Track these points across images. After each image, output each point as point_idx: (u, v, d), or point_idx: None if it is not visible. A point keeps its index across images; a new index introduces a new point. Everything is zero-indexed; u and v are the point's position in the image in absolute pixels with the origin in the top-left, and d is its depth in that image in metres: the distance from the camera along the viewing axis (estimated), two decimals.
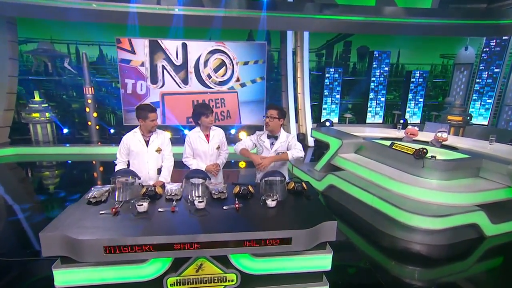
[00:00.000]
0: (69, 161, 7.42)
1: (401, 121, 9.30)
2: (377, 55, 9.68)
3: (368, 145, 5.12)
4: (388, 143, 4.82)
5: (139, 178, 2.62)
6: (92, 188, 2.51)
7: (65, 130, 8.93)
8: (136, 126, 3.13)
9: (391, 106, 10.70)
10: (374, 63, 9.74)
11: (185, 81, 8.42)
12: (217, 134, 3.31)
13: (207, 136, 3.25)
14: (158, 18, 7.30)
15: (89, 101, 8.17)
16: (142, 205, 2.19)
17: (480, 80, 9.24)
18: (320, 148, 7.90)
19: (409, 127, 5.38)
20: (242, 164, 7.25)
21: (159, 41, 8.02)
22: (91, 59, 8.68)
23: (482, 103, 9.27)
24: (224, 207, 2.32)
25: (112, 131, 9.07)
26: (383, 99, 10.09)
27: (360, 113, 10.49)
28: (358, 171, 4.76)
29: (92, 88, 8.17)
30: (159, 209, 2.26)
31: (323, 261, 2.25)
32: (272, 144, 3.12)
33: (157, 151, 3.11)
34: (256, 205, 2.39)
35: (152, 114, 2.97)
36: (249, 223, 2.13)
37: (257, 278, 2.19)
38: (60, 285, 1.97)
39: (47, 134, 8.15)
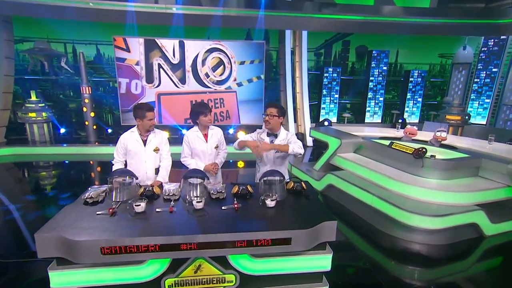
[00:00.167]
0: (66, 161, 7.37)
1: (400, 121, 9.30)
2: (375, 54, 9.68)
3: (367, 145, 5.11)
4: (387, 142, 4.80)
5: (137, 178, 2.59)
6: (89, 188, 2.47)
7: (62, 130, 8.87)
8: (134, 126, 3.10)
9: (390, 105, 10.70)
10: (373, 62, 9.74)
11: (183, 80, 8.37)
12: (215, 133, 3.28)
13: (205, 136, 3.23)
14: (156, 17, 7.26)
15: (86, 100, 8.12)
16: (139, 205, 2.16)
17: (478, 80, 9.26)
18: (319, 147, 7.90)
19: (408, 126, 5.37)
20: (241, 164, 7.22)
21: (156, 39, 7.97)
22: (88, 58, 8.63)
23: (480, 102, 9.29)
24: (223, 207, 2.29)
25: (109, 131, 9.02)
26: (381, 98, 10.09)
27: (358, 112, 10.50)
28: (358, 170, 4.75)
29: (89, 87, 8.11)
30: (157, 210, 2.24)
31: (323, 262, 2.23)
32: (271, 142, 3.10)
33: (154, 150, 3.08)
34: (255, 205, 2.37)
35: (150, 113, 2.94)
36: (248, 223, 2.11)
37: (256, 279, 2.17)
38: (56, 287, 1.94)
39: (43, 134, 8.09)
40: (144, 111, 2.92)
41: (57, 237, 1.86)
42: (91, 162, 7.40)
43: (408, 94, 10.11)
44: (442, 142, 4.90)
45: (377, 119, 10.27)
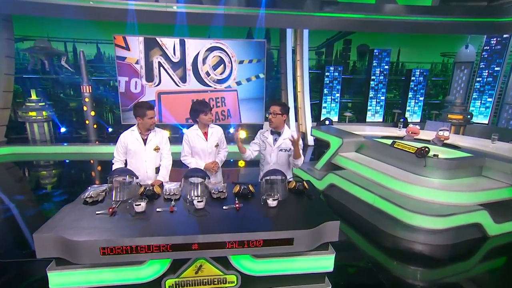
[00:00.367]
0: (67, 160, 7.35)
1: (401, 120, 9.26)
2: (377, 53, 9.63)
3: (369, 144, 5.07)
4: (389, 141, 4.77)
5: (137, 178, 2.57)
6: (89, 188, 2.45)
7: (63, 129, 8.85)
8: (134, 125, 3.07)
9: (391, 105, 10.65)
10: (374, 61, 9.69)
11: (183, 78, 8.34)
12: (215, 131, 3.26)
13: (205, 134, 3.20)
14: (156, 16, 7.22)
15: (87, 99, 8.09)
16: (139, 205, 2.14)
17: (480, 79, 9.20)
18: (320, 147, 7.86)
19: (411, 125, 5.34)
20: (241, 163, 7.19)
21: (156, 37, 7.93)
22: (88, 57, 8.60)
23: (483, 101, 9.24)
24: (224, 207, 2.27)
25: (110, 130, 9.00)
26: (383, 97, 10.04)
27: (360, 111, 10.46)
28: (359, 170, 4.72)
29: (90, 86, 8.08)
30: (157, 209, 2.22)
31: (325, 262, 2.21)
32: (275, 140, 3.07)
33: (155, 149, 3.06)
34: (257, 205, 2.35)
35: (150, 111, 2.92)
36: (249, 223, 2.09)
37: (258, 280, 2.15)
38: (55, 287, 1.91)
39: (44, 133, 8.08)
40: (144, 109, 2.89)
41: (56, 237, 1.84)
42: (92, 161, 7.38)
43: (410, 93, 10.06)
44: (445, 141, 4.86)
45: (379, 118, 10.23)
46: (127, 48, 7.88)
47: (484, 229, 3.72)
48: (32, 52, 8.30)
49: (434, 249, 3.57)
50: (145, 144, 3.02)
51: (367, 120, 10.17)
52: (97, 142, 8.26)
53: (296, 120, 9.13)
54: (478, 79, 9.26)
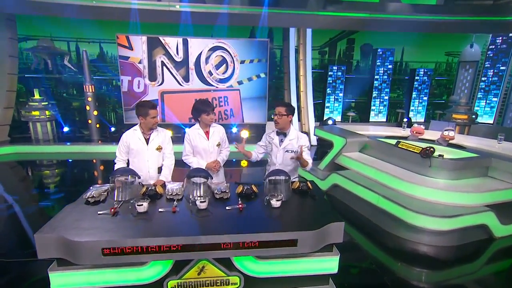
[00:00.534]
0: (70, 160, 7.36)
1: (405, 120, 9.18)
2: (380, 52, 9.56)
3: (373, 144, 5.03)
4: (393, 141, 4.72)
5: (139, 177, 2.55)
6: (91, 188, 2.44)
7: (66, 129, 8.87)
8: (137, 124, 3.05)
9: (395, 104, 10.58)
10: (378, 61, 9.62)
11: (186, 78, 8.33)
12: (217, 131, 3.24)
13: (207, 133, 3.18)
14: (159, 15, 7.20)
15: (90, 99, 8.10)
16: (142, 205, 2.12)
17: (485, 78, 9.11)
18: (323, 146, 7.81)
19: (415, 125, 5.29)
20: (244, 163, 7.17)
21: (159, 37, 7.93)
22: (91, 56, 8.61)
23: (488, 101, 9.14)
24: (227, 208, 2.24)
25: (112, 129, 9.00)
26: (386, 97, 9.97)
27: (363, 111, 10.39)
28: (363, 170, 4.67)
29: (93, 86, 8.09)
30: (160, 210, 2.20)
31: (329, 264, 2.18)
32: (281, 141, 3.05)
33: (157, 149, 3.04)
34: (260, 205, 2.32)
35: (153, 111, 2.90)
36: (253, 224, 2.06)
37: (261, 281, 2.12)
38: None
39: (47, 133, 8.10)
40: (147, 109, 2.87)
41: (57, 237, 1.82)
42: (94, 160, 7.39)
43: (414, 93, 9.99)
44: (450, 141, 4.81)
45: (382, 118, 10.16)
46: (130, 47, 7.88)
47: (490, 230, 3.66)
48: (35, 52, 8.33)
49: (439, 251, 3.53)
50: (147, 143, 3.00)
51: (370, 120, 10.10)
52: (99, 142, 8.27)
53: (299, 120, 9.09)
54: (483, 78, 9.16)
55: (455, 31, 8.69)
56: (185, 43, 8.07)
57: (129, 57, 7.94)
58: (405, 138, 5.31)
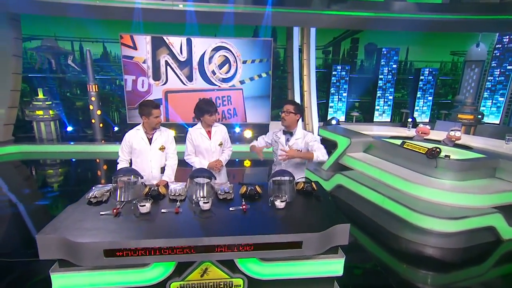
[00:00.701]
0: (73, 159, 7.38)
1: (410, 120, 9.10)
2: (385, 52, 9.48)
3: (378, 144, 4.97)
4: (398, 142, 4.67)
5: (142, 177, 2.52)
6: (93, 188, 2.42)
7: (69, 128, 8.90)
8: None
9: (399, 104, 10.49)
10: (382, 60, 9.54)
11: (190, 77, 8.32)
12: (219, 130, 3.21)
13: (209, 133, 3.16)
14: (162, 14, 7.20)
15: (93, 98, 8.12)
16: (144, 205, 2.10)
17: (492, 78, 8.99)
18: (327, 146, 7.74)
19: (421, 125, 5.22)
20: (247, 163, 7.14)
21: (163, 36, 7.92)
22: (95, 56, 8.63)
23: (494, 101, 9.03)
24: (231, 209, 2.21)
25: (116, 129, 9.02)
26: (391, 97, 9.89)
27: (367, 111, 10.32)
28: (368, 170, 4.62)
29: (96, 85, 8.11)
30: (162, 210, 2.17)
31: (334, 266, 2.14)
32: (287, 140, 3.03)
33: (160, 149, 3.02)
34: (264, 206, 2.29)
35: (156, 110, 2.87)
36: (257, 225, 2.03)
37: (265, 284, 2.09)
38: None
39: (50, 132, 8.13)
40: (150, 108, 2.85)
41: (59, 238, 1.80)
42: (98, 160, 7.40)
43: (419, 93, 9.89)
44: (456, 141, 4.74)
45: (386, 118, 10.08)
46: (134, 47, 7.88)
47: (498, 232, 3.60)
48: (39, 51, 8.36)
49: (445, 253, 3.47)
50: (150, 143, 2.98)
51: (374, 120, 10.03)
52: (103, 141, 8.28)
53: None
54: (489, 78, 9.04)
55: (461, 30, 8.60)
56: (189, 43, 8.06)
57: (133, 57, 7.94)
58: (410, 138, 5.25)
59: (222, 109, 8.61)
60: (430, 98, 9.98)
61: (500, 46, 8.77)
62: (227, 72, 8.45)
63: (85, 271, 1.88)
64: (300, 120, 3.19)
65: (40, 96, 7.96)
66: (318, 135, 6.25)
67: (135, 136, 2.96)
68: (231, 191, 2.41)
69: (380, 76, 9.68)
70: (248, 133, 8.57)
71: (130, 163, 3.04)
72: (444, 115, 9.61)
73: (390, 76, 9.70)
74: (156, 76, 8.19)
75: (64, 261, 1.85)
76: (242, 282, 2.06)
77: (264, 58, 8.43)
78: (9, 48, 7.57)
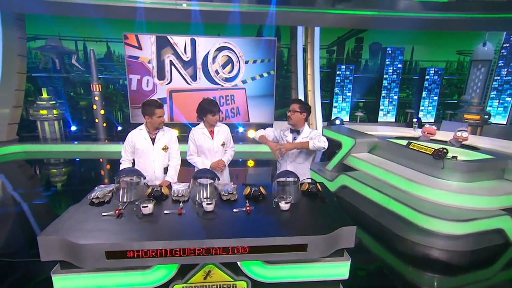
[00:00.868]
0: (77, 159, 7.39)
1: (415, 120, 9.02)
2: (390, 51, 9.40)
3: (383, 145, 4.91)
4: (404, 142, 4.60)
5: (145, 178, 2.50)
6: (95, 188, 2.40)
7: (73, 128, 8.92)
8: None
9: (404, 104, 10.40)
10: (387, 60, 9.46)
11: (194, 77, 8.31)
12: (222, 130, 3.18)
13: (211, 133, 3.12)
14: (166, 14, 7.18)
15: (97, 98, 8.13)
16: (147, 206, 2.07)
17: (498, 78, 8.87)
18: (331, 147, 7.69)
19: (427, 126, 5.15)
20: (250, 163, 7.10)
21: (168, 36, 7.92)
22: (98, 55, 8.64)
23: (501, 101, 8.90)
24: (234, 210, 2.18)
25: (119, 128, 9.03)
26: (395, 97, 9.80)
27: (371, 111, 10.24)
28: (373, 171, 4.57)
29: (100, 85, 8.12)
30: (165, 211, 2.14)
31: (340, 269, 2.10)
32: (294, 139, 3.05)
33: (163, 149, 2.99)
34: (269, 208, 2.25)
35: (159, 110, 2.84)
36: (261, 227, 1.99)
37: (269, 286, 2.05)
38: None
39: (54, 131, 8.14)
40: (153, 108, 2.82)
41: (60, 240, 1.78)
42: (101, 160, 7.40)
43: (424, 93, 9.79)
44: (463, 142, 4.67)
45: (391, 118, 9.99)
46: (139, 47, 7.88)
47: (507, 235, 3.53)
48: (44, 51, 8.39)
49: (452, 255, 3.41)
50: (153, 143, 2.95)
51: (379, 120, 9.95)
52: (106, 141, 8.29)
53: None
54: (496, 77, 8.92)
55: (467, 29, 8.49)
56: (193, 43, 8.04)
57: (138, 57, 7.95)
58: (416, 138, 5.19)
59: (226, 108, 8.58)
60: (436, 98, 9.88)
61: (507, 45, 8.65)
62: (230, 72, 8.42)
63: (87, 273, 1.86)
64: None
65: (44, 95, 7.98)
66: (323, 135, 6.21)
67: (138, 136, 2.93)
68: (234, 192, 2.37)
69: (384, 76, 9.60)
70: (251, 133, 8.53)
71: (133, 163, 3.02)
72: (450, 115, 9.50)
73: (395, 76, 9.62)
74: (161, 76, 8.19)
75: (66, 263, 1.83)
76: (245, 285, 2.03)
77: (267, 59, 8.38)
78: (14, 48, 7.60)
